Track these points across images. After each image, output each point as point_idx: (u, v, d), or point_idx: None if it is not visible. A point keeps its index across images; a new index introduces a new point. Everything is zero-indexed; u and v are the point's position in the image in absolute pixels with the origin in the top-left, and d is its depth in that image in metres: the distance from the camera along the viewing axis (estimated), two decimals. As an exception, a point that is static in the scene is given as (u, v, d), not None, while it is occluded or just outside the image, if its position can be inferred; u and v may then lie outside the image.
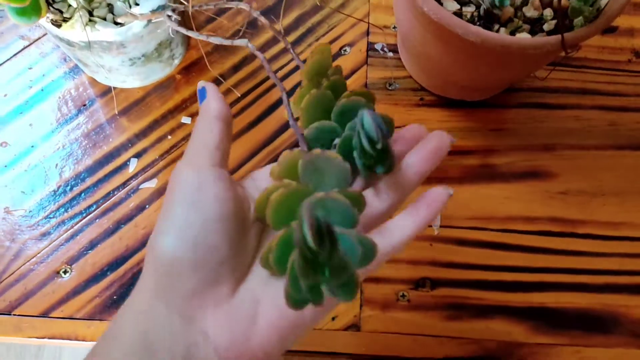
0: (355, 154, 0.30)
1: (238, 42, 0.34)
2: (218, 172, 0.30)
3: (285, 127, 0.55)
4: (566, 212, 0.53)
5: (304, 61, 0.32)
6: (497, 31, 0.45)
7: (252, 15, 0.59)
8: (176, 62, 0.56)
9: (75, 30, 0.45)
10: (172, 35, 0.49)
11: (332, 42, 0.59)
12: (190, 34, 0.36)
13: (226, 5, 0.36)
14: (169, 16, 0.37)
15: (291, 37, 0.59)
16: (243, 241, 0.30)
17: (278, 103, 0.56)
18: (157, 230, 0.30)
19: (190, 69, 0.57)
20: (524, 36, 0.45)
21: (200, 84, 0.33)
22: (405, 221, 0.31)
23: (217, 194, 0.29)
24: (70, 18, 0.46)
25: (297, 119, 0.32)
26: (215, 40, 0.35)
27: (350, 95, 0.31)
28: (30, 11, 0.33)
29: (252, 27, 0.59)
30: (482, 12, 0.45)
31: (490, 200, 0.53)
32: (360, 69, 0.58)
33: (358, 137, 0.29)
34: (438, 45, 0.48)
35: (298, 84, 0.56)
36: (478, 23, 0.45)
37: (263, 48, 0.58)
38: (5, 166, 0.53)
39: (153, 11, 0.39)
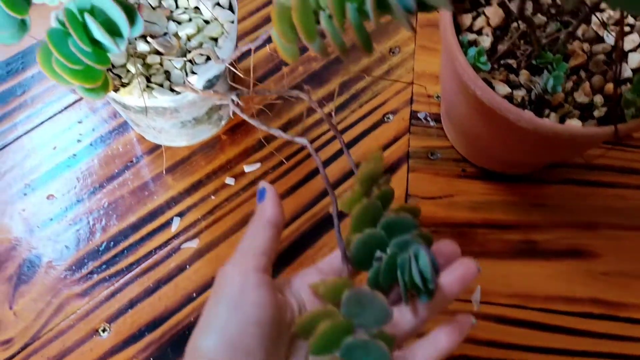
0: (399, 274, 0.32)
1: (298, 140, 0.35)
2: (262, 277, 0.32)
3: (326, 193, 0.56)
4: (608, 294, 0.52)
5: (355, 157, 0.33)
6: (548, 116, 0.45)
7: (297, 82, 0.60)
8: (223, 122, 0.57)
9: (133, 95, 0.46)
10: (232, 117, 0.50)
11: (375, 108, 0.60)
12: (252, 122, 0.37)
13: (287, 95, 0.37)
14: (233, 100, 0.38)
15: (335, 103, 0.60)
16: (276, 347, 0.32)
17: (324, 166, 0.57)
18: (198, 329, 0.31)
19: (236, 130, 0.58)
20: (574, 122, 0.45)
21: (261, 184, 0.35)
22: (427, 349, 0.33)
23: (258, 300, 0.31)
24: (128, 83, 0.47)
25: (341, 213, 0.34)
26: (277, 133, 0.37)
27: (399, 210, 0.33)
28: (100, 89, 0.34)
29: (300, 89, 0.60)
30: (533, 96, 0.46)
31: (531, 278, 0.53)
32: (402, 137, 0.58)
33: (409, 270, 0.31)
34: (485, 124, 0.48)
35: (336, 153, 0.57)
36: (529, 107, 0.46)
37: (308, 112, 0.59)
38: (51, 219, 0.54)
39: (216, 91, 0.40)
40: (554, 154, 0.49)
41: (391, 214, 0.33)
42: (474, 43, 0.47)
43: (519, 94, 0.46)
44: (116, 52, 0.32)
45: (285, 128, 0.58)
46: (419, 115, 0.59)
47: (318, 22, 0.31)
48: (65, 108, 0.58)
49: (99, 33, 0.30)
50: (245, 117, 0.37)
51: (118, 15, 0.30)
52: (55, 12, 0.32)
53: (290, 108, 0.59)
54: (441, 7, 0.24)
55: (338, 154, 0.57)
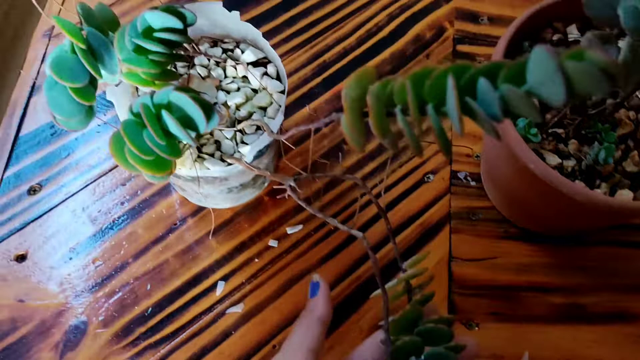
0: None
1: (354, 232, 0.36)
2: None
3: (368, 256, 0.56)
4: (658, 359, 0.52)
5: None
6: (599, 186, 0.45)
7: (337, 142, 0.61)
8: (265, 184, 0.57)
9: (185, 166, 0.47)
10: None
11: (415, 168, 0.60)
12: (310, 209, 0.37)
13: (342, 178, 0.37)
14: (291, 186, 0.38)
15: (375, 162, 0.60)
16: None
17: (363, 230, 0.57)
18: None
19: (278, 191, 0.58)
20: (625, 192, 0.45)
21: (315, 277, 0.37)
22: None
23: None
24: (180, 154, 0.47)
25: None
26: (333, 223, 0.37)
27: (437, 321, 0.35)
28: (167, 174, 0.35)
29: (340, 150, 0.61)
30: (583, 166, 0.46)
31: (578, 342, 0.52)
32: (443, 198, 0.58)
33: None
34: (533, 192, 0.48)
35: (373, 217, 0.57)
36: (579, 177, 0.46)
37: (350, 169, 0.59)
38: (97, 284, 0.54)
39: (269, 170, 0.40)
40: (604, 221, 0.49)
41: (430, 324, 0.34)
42: (522, 113, 0.48)
43: (569, 164, 0.46)
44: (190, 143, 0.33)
45: (326, 189, 0.59)
46: (459, 175, 0.60)
47: (389, 114, 0.32)
48: (110, 170, 0.59)
49: (175, 128, 0.31)
50: (303, 204, 0.38)
51: (195, 112, 0.30)
52: (131, 101, 0.33)
53: (331, 169, 0.59)
54: (532, 119, 0.24)
55: (379, 215, 0.57)
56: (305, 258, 0.56)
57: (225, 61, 0.50)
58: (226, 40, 0.53)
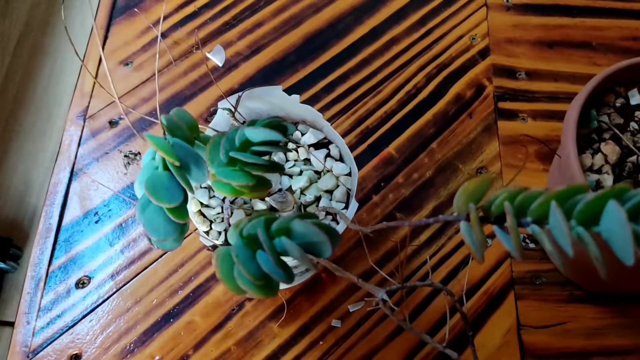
0: None
1: (449, 352, 0.34)
2: None
3: (436, 329, 0.54)
4: None
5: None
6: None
7: (388, 210, 0.60)
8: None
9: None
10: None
11: (471, 233, 0.59)
12: (404, 325, 0.36)
13: (432, 286, 0.36)
14: (384, 300, 0.36)
15: (430, 231, 0.59)
16: None
17: (428, 299, 0.55)
18: None
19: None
20: None
21: None
22: None
23: None
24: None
25: None
26: (426, 339, 0.36)
27: None
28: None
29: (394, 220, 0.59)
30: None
31: (661, 408, 0.51)
32: (504, 262, 0.57)
33: None
34: (617, 265, 0.47)
35: (433, 292, 0.56)
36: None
37: (406, 238, 0.58)
38: (158, 381, 0.52)
39: (364, 283, 0.38)
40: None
41: None
42: (597, 183, 0.47)
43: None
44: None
45: (382, 263, 0.57)
46: (516, 237, 0.58)
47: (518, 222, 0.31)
48: (161, 257, 0.57)
49: (298, 255, 0.29)
50: (396, 319, 0.36)
51: (321, 238, 0.29)
52: (238, 228, 0.31)
53: (384, 241, 0.58)
54: None
55: (435, 292, 0.56)
56: (371, 337, 0.54)
57: (286, 144, 0.49)
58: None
